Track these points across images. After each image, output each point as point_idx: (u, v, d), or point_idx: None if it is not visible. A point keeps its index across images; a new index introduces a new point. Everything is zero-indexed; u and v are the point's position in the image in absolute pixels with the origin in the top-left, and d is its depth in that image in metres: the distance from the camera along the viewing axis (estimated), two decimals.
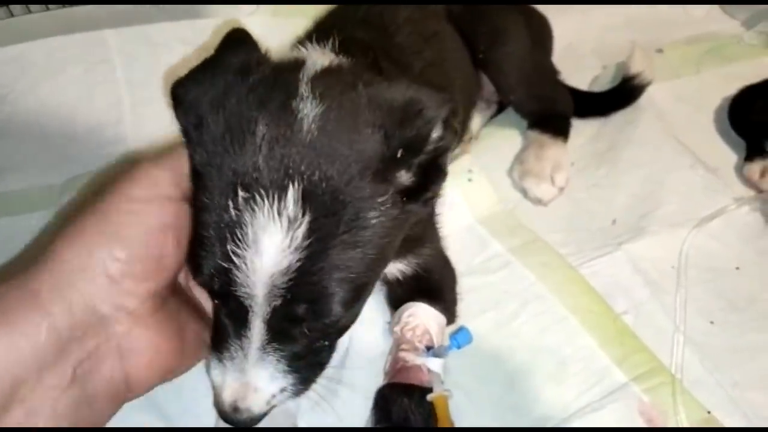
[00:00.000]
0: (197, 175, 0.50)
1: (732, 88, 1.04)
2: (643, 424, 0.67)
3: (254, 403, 0.54)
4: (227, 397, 0.54)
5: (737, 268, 0.83)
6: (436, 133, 0.50)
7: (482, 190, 0.91)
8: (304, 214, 0.46)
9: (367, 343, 0.73)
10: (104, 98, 0.99)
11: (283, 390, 0.54)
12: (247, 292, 0.49)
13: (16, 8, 1.05)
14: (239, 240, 0.47)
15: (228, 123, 0.49)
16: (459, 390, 0.69)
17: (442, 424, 0.63)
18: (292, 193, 0.46)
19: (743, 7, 1.23)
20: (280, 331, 0.52)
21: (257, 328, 0.51)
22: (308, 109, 0.48)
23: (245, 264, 0.47)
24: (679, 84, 1.06)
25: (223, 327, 0.54)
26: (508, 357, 0.73)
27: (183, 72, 0.53)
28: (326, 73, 0.54)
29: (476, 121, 1.02)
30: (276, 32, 0.88)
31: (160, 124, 0.89)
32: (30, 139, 0.97)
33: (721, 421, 0.67)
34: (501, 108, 1.06)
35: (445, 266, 0.78)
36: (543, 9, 1.05)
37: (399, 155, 0.49)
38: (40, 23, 1.04)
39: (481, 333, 0.74)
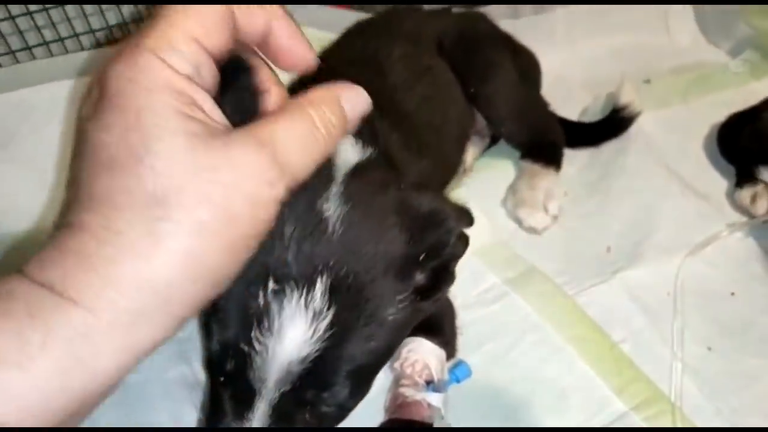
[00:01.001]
0: None
1: (720, 116, 1.06)
2: None
3: None
4: None
5: (732, 294, 0.84)
6: (452, 238, 0.55)
7: (477, 222, 0.92)
8: (329, 308, 0.49)
9: None
10: None
11: None
12: (259, 376, 0.50)
13: (21, 55, 1.07)
14: (264, 327, 0.49)
15: None
16: (460, 424, 0.68)
17: None
18: (320, 287, 0.49)
19: (727, 36, 1.27)
20: (283, 415, 0.52)
21: (261, 412, 0.51)
22: (336, 209, 0.51)
23: (266, 351, 0.49)
24: (668, 113, 1.09)
25: (223, 406, 0.54)
26: (507, 389, 0.73)
27: None
28: (358, 172, 0.55)
29: (470, 153, 1.04)
30: None
31: None
32: (33, 181, 0.98)
33: None
34: (494, 140, 1.09)
35: (443, 300, 0.78)
36: (530, 44, 1.08)
37: (421, 259, 0.52)
38: (45, 69, 1.06)
39: (480, 366, 0.74)
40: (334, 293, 0.49)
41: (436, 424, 0.65)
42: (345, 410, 0.56)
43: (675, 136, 1.05)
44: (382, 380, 0.73)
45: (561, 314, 0.80)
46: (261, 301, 0.49)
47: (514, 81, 0.96)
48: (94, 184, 0.38)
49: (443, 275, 0.56)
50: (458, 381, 0.70)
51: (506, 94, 0.95)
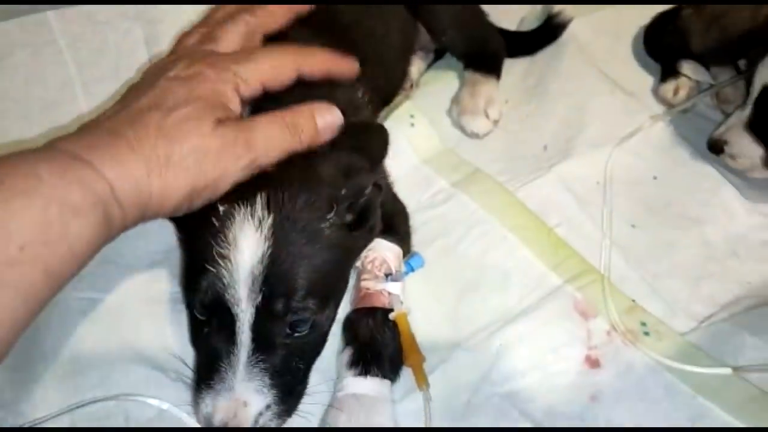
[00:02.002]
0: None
1: (647, 17, 1.12)
2: (577, 316, 0.77)
3: (244, 420, 0.59)
4: (218, 420, 0.59)
5: (655, 178, 0.93)
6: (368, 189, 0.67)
7: (424, 132, 0.99)
8: (269, 214, 0.60)
9: None
10: (55, 79, 1.02)
11: (268, 407, 0.61)
12: (233, 294, 0.59)
13: None
14: (222, 242, 0.59)
15: None
16: (417, 309, 0.77)
17: (405, 337, 0.72)
18: (259, 200, 0.60)
19: None
20: (263, 336, 0.61)
21: (245, 335, 0.60)
22: None
23: (229, 262, 0.59)
24: (599, 17, 1.14)
25: (210, 353, 0.62)
26: (457, 276, 0.82)
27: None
28: None
29: (416, 68, 1.09)
30: None
31: (111, 99, 0.94)
32: None
33: (643, 307, 0.78)
34: (439, 55, 1.13)
35: (396, 205, 0.86)
36: None
37: (342, 198, 0.64)
38: None
39: (433, 258, 0.83)
40: (272, 205, 0.60)
41: (396, 309, 0.73)
42: (320, 325, 0.65)
43: (605, 38, 1.11)
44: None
45: (503, 207, 0.88)
46: (215, 223, 0.60)
47: None
48: (140, 110, 0.58)
49: (366, 212, 0.68)
50: (413, 269, 0.78)
51: (446, 5, 1.00)
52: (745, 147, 0.88)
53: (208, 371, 0.62)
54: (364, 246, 0.73)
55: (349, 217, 0.66)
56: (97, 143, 0.54)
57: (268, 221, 0.60)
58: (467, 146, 0.99)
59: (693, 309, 0.78)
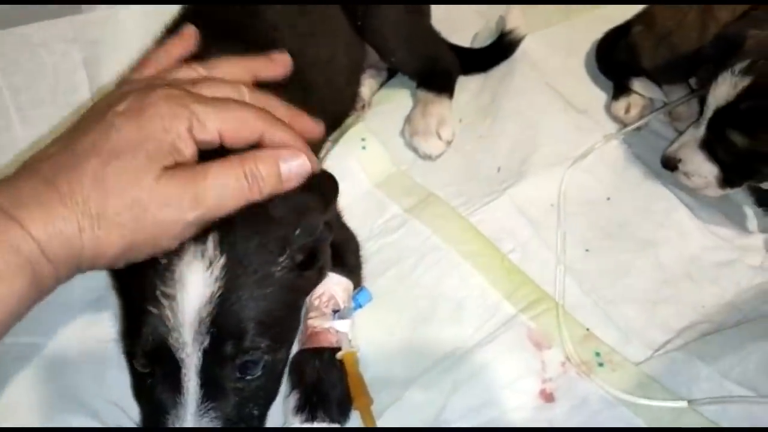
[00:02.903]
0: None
1: (600, 33, 1.11)
2: (531, 347, 0.75)
3: None
4: None
5: (608, 199, 0.92)
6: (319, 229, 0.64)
7: (376, 155, 0.96)
8: (221, 255, 0.57)
9: None
10: None
11: None
12: (177, 338, 0.56)
13: None
14: (167, 281, 0.56)
15: None
16: (370, 344, 0.75)
17: (352, 378, 0.69)
18: (211, 240, 0.57)
19: None
20: (213, 382, 0.57)
21: (192, 382, 0.56)
22: None
23: (175, 302, 0.56)
24: (550, 34, 1.13)
25: (156, 405, 0.58)
26: (410, 307, 0.79)
27: None
28: None
29: (367, 87, 1.07)
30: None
31: (49, 124, 0.91)
32: None
33: (597, 336, 0.76)
34: (392, 73, 1.11)
35: (345, 234, 0.83)
36: None
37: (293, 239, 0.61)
38: None
39: (385, 289, 0.80)
40: (224, 245, 0.57)
41: (343, 348, 0.71)
42: (273, 366, 0.62)
43: (557, 55, 1.10)
44: None
45: (457, 234, 0.86)
46: (162, 261, 0.56)
47: (400, 10, 0.98)
48: (79, 154, 0.53)
49: (317, 252, 0.65)
50: (360, 306, 0.75)
51: (393, 24, 0.97)
52: (699, 165, 0.87)
53: (156, 422, 0.58)
54: (315, 285, 0.71)
55: (300, 258, 0.63)
56: (28, 196, 0.50)
57: (220, 262, 0.57)
58: (421, 169, 0.97)
59: (648, 336, 0.77)
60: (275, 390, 0.65)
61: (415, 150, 0.98)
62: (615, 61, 1.06)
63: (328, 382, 0.68)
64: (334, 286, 0.75)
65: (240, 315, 0.57)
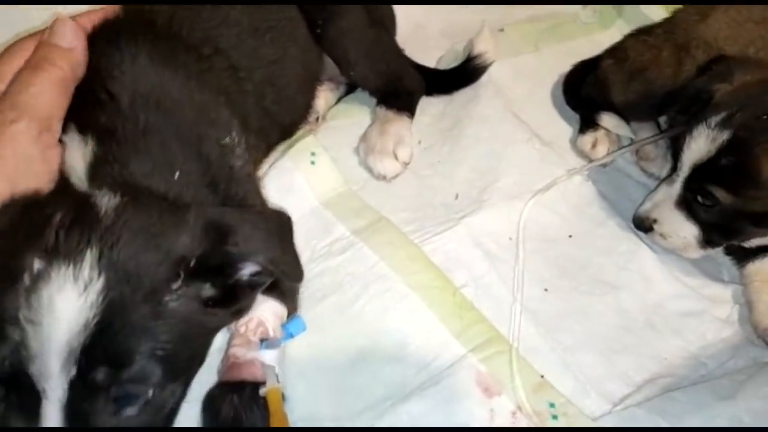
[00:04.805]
0: None
1: (568, 65, 1.08)
2: (480, 393, 0.68)
3: None
4: None
5: (570, 236, 0.87)
6: (252, 268, 0.54)
7: (326, 172, 0.89)
8: (99, 276, 0.48)
9: None
10: None
11: None
12: (40, 367, 0.46)
13: None
14: (33, 305, 0.47)
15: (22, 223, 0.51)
16: (301, 379, 0.67)
17: (275, 417, 0.60)
18: (88, 257, 0.48)
19: None
20: (79, 418, 0.48)
21: (52, 418, 0.47)
22: (109, 201, 0.52)
23: (40, 329, 0.46)
24: (519, 61, 1.09)
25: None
26: (349, 341, 0.71)
27: None
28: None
29: (322, 100, 0.99)
30: None
31: None
32: None
33: (552, 384, 0.69)
34: (352, 88, 1.04)
35: (290, 263, 0.74)
36: None
37: (194, 265, 0.52)
38: None
39: (323, 319, 0.73)
40: (103, 264, 0.48)
41: (269, 383, 0.62)
42: (158, 404, 0.51)
43: (524, 84, 1.06)
44: (220, 340, 0.69)
45: (407, 262, 0.79)
46: (26, 282, 0.47)
47: (363, 22, 0.91)
48: None
49: (242, 294, 0.56)
50: (292, 336, 0.67)
51: (355, 35, 0.90)
52: (677, 226, 0.81)
53: None
54: (225, 325, 0.61)
55: (208, 292, 0.53)
56: None
57: (97, 285, 0.47)
58: (373, 189, 0.89)
59: (607, 388, 0.71)
60: (170, 410, 0.54)
61: (369, 169, 0.90)
62: (583, 95, 1.02)
63: (247, 421, 0.60)
64: (264, 311, 0.67)
65: (120, 345, 0.48)
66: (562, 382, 0.70)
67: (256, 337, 0.65)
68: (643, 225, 0.83)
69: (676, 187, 0.80)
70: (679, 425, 0.64)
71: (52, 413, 0.47)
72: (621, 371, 0.72)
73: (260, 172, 0.83)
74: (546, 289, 0.80)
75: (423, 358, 0.70)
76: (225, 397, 0.61)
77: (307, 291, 0.75)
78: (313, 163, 0.89)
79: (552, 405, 0.67)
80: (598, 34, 1.19)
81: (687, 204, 0.80)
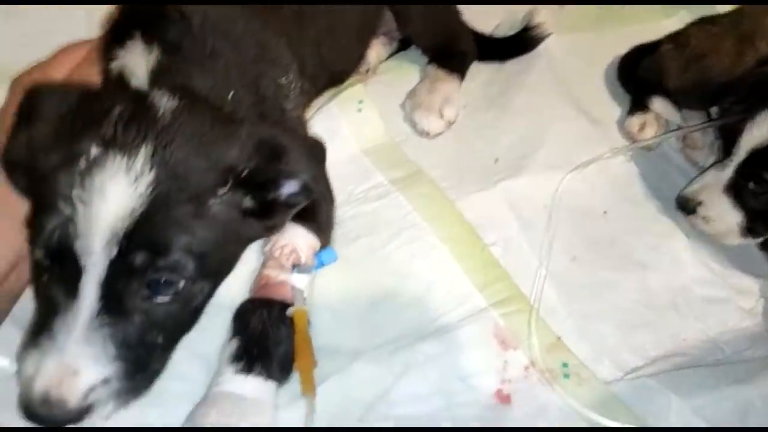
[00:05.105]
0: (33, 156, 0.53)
1: (625, 47, 1.06)
2: (496, 344, 0.70)
3: (70, 391, 0.48)
4: (39, 385, 0.48)
5: (605, 212, 0.87)
6: (292, 188, 0.57)
7: (371, 121, 0.91)
8: (150, 170, 0.50)
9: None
10: None
11: (106, 381, 0.50)
12: (85, 244, 0.49)
13: None
14: (86, 187, 0.49)
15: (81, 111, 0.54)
16: (325, 309, 0.69)
17: (299, 336, 0.63)
18: (143, 153, 0.51)
19: None
20: (115, 296, 0.50)
21: (89, 292, 0.50)
22: (168, 102, 0.54)
23: (89, 209, 0.49)
24: (576, 38, 1.08)
25: (47, 305, 0.51)
26: (376, 280, 0.74)
27: None
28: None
29: (374, 53, 1.01)
30: None
31: None
32: None
33: (568, 346, 0.71)
34: (405, 46, 1.06)
35: (323, 190, 0.77)
36: None
37: (243, 177, 0.54)
38: None
39: (353, 257, 0.75)
40: (156, 160, 0.51)
41: (297, 304, 0.65)
42: (188, 295, 0.54)
43: (578, 61, 1.05)
44: (254, 263, 0.72)
45: (439, 215, 0.81)
46: (82, 166, 0.50)
47: None
48: None
49: (278, 211, 0.58)
50: (323, 264, 0.70)
51: None
52: (722, 211, 0.80)
53: (40, 326, 0.51)
54: (258, 238, 0.63)
55: (248, 203, 0.56)
56: None
57: (147, 178, 0.50)
58: (414, 144, 0.91)
59: (621, 357, 0.72)
60: (188, 323, 0.58)
61: (413, 124, 0.92)
62: (637, 77, 1.01)
63: (273, 336, 0.63)
64: (298, 239, 0.70)
65: (160, 235, 0.51)
66: (578, 346, 0.71)
67: (288, 263, 0.68)
68: (687, 206, 0.83)
69: (728, 172, 0.79)
70: (689, 401, 0.65)
71: (90, 288, 0.50)
72: (638, 344, 0.73)
73: (307, 115, 0.85)
74: (573, 259, 0.80)
75: (445, 304, 0.72)
76: (255, 311, 0.64)
77: (340, 230, 0.77)
78: (359, 111, 0.91)
79: (565, 365, 0.69)
80: (662, 21, 1.17)
81: (736, 190, 0.79)
